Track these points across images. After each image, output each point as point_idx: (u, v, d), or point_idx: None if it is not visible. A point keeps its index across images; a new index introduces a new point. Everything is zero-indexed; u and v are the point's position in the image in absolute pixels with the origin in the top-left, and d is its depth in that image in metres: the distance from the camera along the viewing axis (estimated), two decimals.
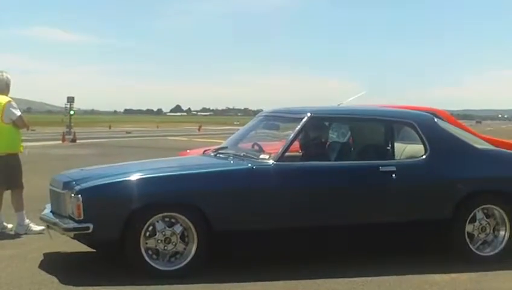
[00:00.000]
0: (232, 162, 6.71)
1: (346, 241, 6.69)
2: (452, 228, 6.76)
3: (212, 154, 7.23)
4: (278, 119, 7.68)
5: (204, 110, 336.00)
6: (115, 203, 5.97)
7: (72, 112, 43.93)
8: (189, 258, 6.09)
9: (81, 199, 5.90)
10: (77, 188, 6.04)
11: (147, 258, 5.98)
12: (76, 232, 6.01)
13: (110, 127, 67.08)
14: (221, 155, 7.04)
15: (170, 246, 6.06)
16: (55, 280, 5.90)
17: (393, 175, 6.59)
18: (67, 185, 6.27)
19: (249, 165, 6.42)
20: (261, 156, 6.54)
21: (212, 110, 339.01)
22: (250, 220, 6.26)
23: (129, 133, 52.64)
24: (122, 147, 29.87)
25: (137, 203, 5.98)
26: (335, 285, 5.95)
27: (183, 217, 6.07)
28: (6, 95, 8.39)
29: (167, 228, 6.05)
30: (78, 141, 34.89)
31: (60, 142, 34.21)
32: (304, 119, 6.74)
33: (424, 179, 6.78)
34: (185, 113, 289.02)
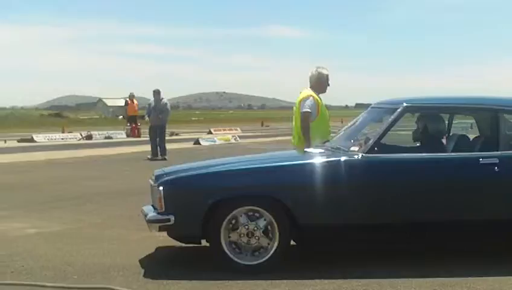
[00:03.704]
0: (322, 154, 6.52)
1: (439, 239, 6.45)
2: None
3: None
4: (380, 111, 7.27)
5: None
6: (195, 195, 6.08)
7: None
8: (271, 253, 6.02)
9: (162, 191, 6.06)
10: (160, 180, 6.20)
11: (228, 252, 6.01)
12: (158, 224, 6.11)
13: (342, 122, 67.16)
14: (319, 149, 6.88)
15: (253, 240, 6.03)
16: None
17: (496, 168, 6.12)
18: (157, 178, 6.38)
19: (336, 157, 6.25)
20: (352, 148, 6.35)
21: None
22: (336, 214, 6.09)
23: None
24: None
25: (216, 196, 6.01)
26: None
27: (264, 211, 6.01)
28: (317, 91, 8.19)
29: (250, 222, 6.02)
30: None
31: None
32: (398, 110, 6.46)
33: None
34: None
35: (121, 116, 60.50)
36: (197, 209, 5.99)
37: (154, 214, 6.15)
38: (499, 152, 6.26)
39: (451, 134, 7.13)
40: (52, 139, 31.19)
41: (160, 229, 6.17)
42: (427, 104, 6.98)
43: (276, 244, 6.01)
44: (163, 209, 6.06)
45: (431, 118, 6.96)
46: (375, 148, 6.22)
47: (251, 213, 6.04)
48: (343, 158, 6.20)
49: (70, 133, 34.90)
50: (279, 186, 6.07)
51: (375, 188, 6.15)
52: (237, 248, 6.05)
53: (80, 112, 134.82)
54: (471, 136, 6.92)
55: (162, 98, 19.30)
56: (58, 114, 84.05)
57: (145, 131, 25.64)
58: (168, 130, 32.54)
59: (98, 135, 33.49)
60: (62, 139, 31.80)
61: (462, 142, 6.76)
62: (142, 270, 6.09)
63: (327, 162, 6.28)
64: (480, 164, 6.17)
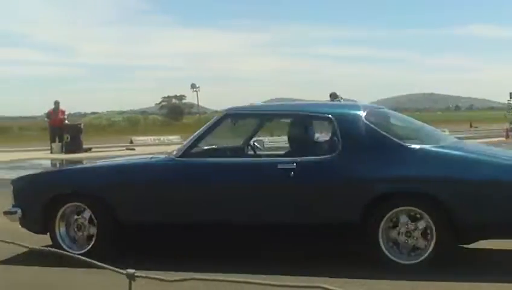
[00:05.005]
0: (147, 157, 7.32)
1: (250, 239, 6.66)
2: (364, 232, 6.05)
3: None
4: None
5: None
6: (34, 192, 6.86)
7: None
8: (91, 244, 6.57)
9: (12, 187, 6.96)
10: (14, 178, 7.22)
11: (62, 245, 6.60)
12: (8, 215, 6.87)
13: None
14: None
15: (85, 233, 6.65)
16: None
17: (292, 173, 6.13)
18: None
19: (152, 160, 6.93)
20: (172, 152, 6.78)
21: None
22: (151, 213, 6.55)
23: None
24: None
25: (49, 193, 6.72)
26: None
27: (87, 207, 6.62)
28: None
29: (78, 216, 6.66)
30: None
31: (503, 138, 33.01)
32: (218, 117, 6.86)
33: (328, 178, 6.21)
34: None
35: None
36: (36, 204, 6.68)
37: (10, 206, 6.91)
38: (298, 158, 6.30)
39: (264, 139, 7.47)
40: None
41: (18, 221, 6.84)
42: (245, 111, 7.26)
43: (94, 238, 6.59)
44: (13, 203, 6.88)
45: (252, 124, 7.48)
46: (189, 153, 6.56)
47: (80, 209, 6.66)
48: (157, 161, 6.85)
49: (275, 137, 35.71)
50: (100, 185, 6.66)
51: (184, 189, 6.51)
52: (72, 240, 6.71)
53: None
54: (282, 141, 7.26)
55: (338, 100, 19.27)
56: None
57: None
58: None
59: None
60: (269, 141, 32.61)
61: (266, 147, 7.24)
62: None
63: (142, 163, 7.10)
64: (277, 168, 6.23)
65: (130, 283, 2.56)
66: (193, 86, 51.84)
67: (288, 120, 7.25)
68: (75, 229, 6.71)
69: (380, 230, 5.99)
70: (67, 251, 6.39)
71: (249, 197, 6.39)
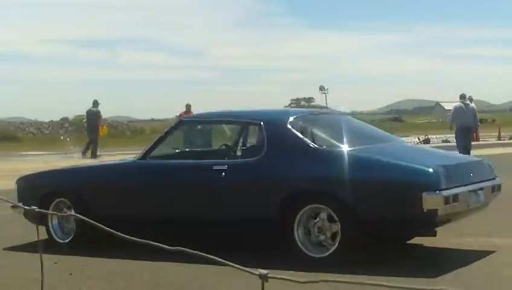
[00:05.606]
0: (120, 160, 8.78)
1: (175, 234, 7.26)
2: (279, 228, 6.63)
3: None
4: None
5: None
6: (31, 190, 8.07)
7: None
8: (72, 236, 7.63)
9: (16, 186, 8.24)
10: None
11: (52, 233, 7.70)
12: (14, 209, 7.72)
13: None
14: None
15: (67, 225, 7.74)
16: None
17: (224, 173, 6.90)
18: None
19: (119, 162, 8.37)
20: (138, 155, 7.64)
21: None
22: (117, 208, 7.47)
23: None
24: None
25: (42, 191, 7.89)
26: None
27: (69, 202, 7.67)
28: None
29: (66, 210, 7.55)
30: None
31: None
32: (174, 124, 7.94)
33: (251, 178, 6.90)
34: None
35: None
36: (34, 200, 7.49)
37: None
38: (229, 160, 7.23)
39: (206, 144, 8.75)
40: None
41: (24, 215, 7.69)
42: (195, 119, 8.70)
43: (76, 230, 7.58)
44: (18, 199, 7.91)
45: (199, 130, 8.95)
46: (147, 156, 7.46)
47: (67, 204, 7.67)
48: (122, 163, 8.16)
49: (407, 137, 35.15)
50: (77, 184, 7.77)
51: (141, 188, 7.42)
52: (63, 231, 7.74)
53: (418, 115, 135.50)
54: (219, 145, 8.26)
55: (464, 101, 18.68)
56: (396, 118, 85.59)
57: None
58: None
59: (435, 139, 33.49)
60: None
61: (207, 151, 8.39)
62: None
63: (111, 165, 8.38)
64: (213, 170, 7.00)
65: (263, 284, 2.53)
66: (322, 88, 51.99)
67: (227, 126, 8.44)
68: (64, 222, 7.77)
69: (295, 226, 6.55)
70: (59, 241, 7.70)
71: (190, 195, 7.22)
